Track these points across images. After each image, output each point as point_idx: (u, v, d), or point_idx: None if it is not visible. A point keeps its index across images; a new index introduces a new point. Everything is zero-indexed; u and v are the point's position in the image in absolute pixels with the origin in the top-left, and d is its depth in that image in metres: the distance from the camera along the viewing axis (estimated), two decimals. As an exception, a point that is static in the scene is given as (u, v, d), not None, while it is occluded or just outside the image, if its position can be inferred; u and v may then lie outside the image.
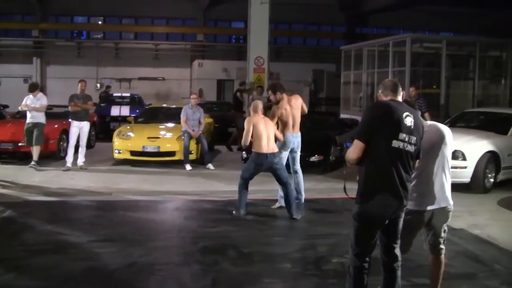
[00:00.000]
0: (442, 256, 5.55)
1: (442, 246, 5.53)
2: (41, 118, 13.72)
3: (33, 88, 14.18)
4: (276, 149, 9.13)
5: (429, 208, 5.26)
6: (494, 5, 29.82)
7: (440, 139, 5.35)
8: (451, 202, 5.43)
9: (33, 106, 13.72)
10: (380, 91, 5.00)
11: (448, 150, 5.42)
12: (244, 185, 9.25)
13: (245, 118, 9.60)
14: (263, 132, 9.00)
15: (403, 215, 4.84)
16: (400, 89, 4.92)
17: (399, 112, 4.66)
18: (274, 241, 7.88)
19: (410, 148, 4.67)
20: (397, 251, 4.96)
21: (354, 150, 4.72)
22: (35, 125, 13.59)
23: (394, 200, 4.65)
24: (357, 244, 4.84)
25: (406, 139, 4.63)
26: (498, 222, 9.11)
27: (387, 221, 4.78)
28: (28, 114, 13.72)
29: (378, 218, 4.72)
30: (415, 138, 4.69)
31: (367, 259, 4.84)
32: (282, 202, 9.49)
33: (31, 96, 13.86)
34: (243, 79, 21.02)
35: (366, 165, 4.73)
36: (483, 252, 7.37)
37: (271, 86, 10.24)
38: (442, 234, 5.50)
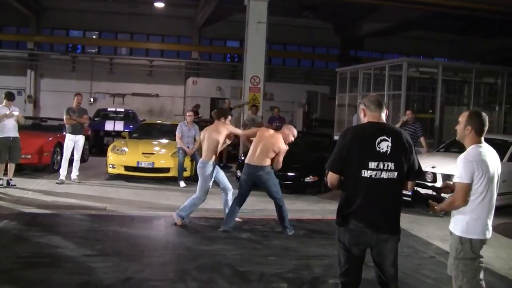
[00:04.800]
0: None
1: None
2: (17, 132, 12.89)
3: (13, 97, 13.11)
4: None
5: (488, 237, 5.05)
6: (484, 33, 30.15)
7: (498, 164, 5.13)
8: None
9: (18, 114, 12.87)
10: (363, 105, 4.87)
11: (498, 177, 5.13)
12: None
13: None
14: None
15: (391, 245, 4.72)
16: (385, 106, 4.86)
17: (371, 137, 4.59)
18: (269, 260, 7.82)
19: (388, 175, 4.56)
20: (392, 283, 4.82)
21: (330, 179, 4.76)
22: (14, 140, 12.81)
23: (368, 229, 4.59)
24: (340, 266, 4.83)
25: (380, 167, 4.54)
26: (493, 248, 9.07)
27: (367, 250, 4.75)
28: (2, 127, 12.62)
29: (351, 243, 4.68)
30: (392, 164, 4.56)
31: None
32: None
33: (3, 106, 12.75)
34: (236, 98, 21.14)
35: (342, 193, 4.74)
36: (480, 277, 7.33)
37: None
38: None
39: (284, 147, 9.35)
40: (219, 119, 9.94)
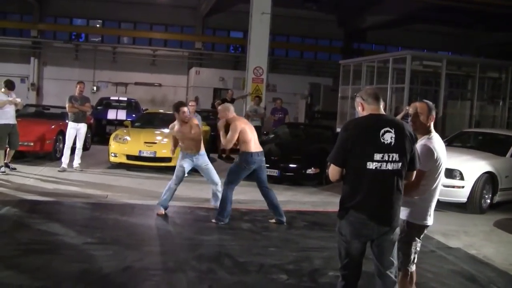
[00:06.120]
0: None
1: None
2: (15, 119, 13.10)
3: (13, 86, 13.22)
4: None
5: (431, 223, 5.30)
6: (486, 27, 30.08)
7: (445, 153, 5.29)
8: None
9: (20, 101, 13.22)
10: (361, 98, 4.82)
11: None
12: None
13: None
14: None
15: (392, 237, 4.70)
16: (381, 98, 4.85)
17: (376, 130, 4.55)
18: (269, 251, 7.81)
19: (393, 166, 4.54)
20: (391, 277, 4.78)
21: (331, 172, 4.71)
22: (14, 126, 12.98)
23: (370, 221, 4.56)
24: (340, 259, 4.81)
25: (385, 158, 4.50)
26: (494, 243, 9.09)
27: (369, 242, 4.72)
28: (3, 114, 12.71)
29: (353, 236, 4.65)
30: (396, 155, 4.53)
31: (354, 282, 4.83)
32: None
33: (2, 93, 12.86)
34: (239, 88, 21.14)
35: (343, 185, 4.69)
36: (480, 272, 7.34)
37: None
38: None
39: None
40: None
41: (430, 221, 5.27)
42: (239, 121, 9.31)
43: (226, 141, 9.09)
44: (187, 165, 9.88)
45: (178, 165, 9.92)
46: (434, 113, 5.28)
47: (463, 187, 11.18)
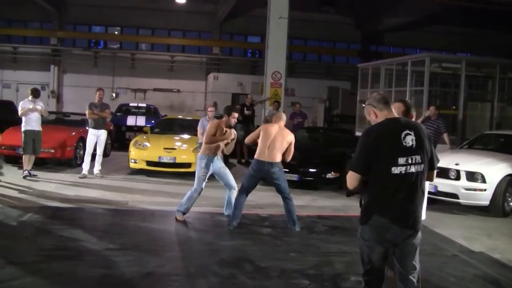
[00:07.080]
0: None
1: None
2: (40, 126, 13.44)
3: (39, 94, 13.64)
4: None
5: (424, 217, 5.33)
6: (506, 28, 29.80)
7: None
8: None
9: (44, 109, 13.63)
10: (371, 106, 4.77)
11: None
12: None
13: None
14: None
15: (414, 241, 4.64)
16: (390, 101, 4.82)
17: (396, 134, 4.53)
18: (290, 256, 7.81)
19: (416, 169, 4.51)
20: (414, 281, 4.73)
21: (350, 179, 4.63)
22: (38, 133, 13.31)
23: (393, 225, 4.51)
24: (363, 264, 4.77)
25: (409, 161, 4.48)
26: (511, 246, 9.00)
27: (392, 247, 4.67)
28: (27, 120, 13.14)
29: (376, 241, 4.62)
30: (419, 156, 4.52)
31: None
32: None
33: (28, 100, 13.29)
34: (257, 93, 21.16)
35: (367, 192, 4.64)
36: (504, 276, 7.25)
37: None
38: None
39: (293, 137, 9.37)
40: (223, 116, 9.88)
41: (423, 216, 5.28)
42: (264, 126, 9.56)
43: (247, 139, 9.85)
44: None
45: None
46: (413, 112, 5.34)
47: (485, 190, 11.06)
